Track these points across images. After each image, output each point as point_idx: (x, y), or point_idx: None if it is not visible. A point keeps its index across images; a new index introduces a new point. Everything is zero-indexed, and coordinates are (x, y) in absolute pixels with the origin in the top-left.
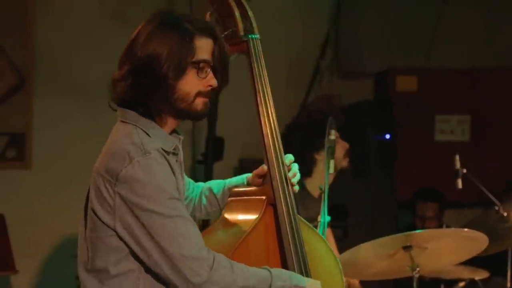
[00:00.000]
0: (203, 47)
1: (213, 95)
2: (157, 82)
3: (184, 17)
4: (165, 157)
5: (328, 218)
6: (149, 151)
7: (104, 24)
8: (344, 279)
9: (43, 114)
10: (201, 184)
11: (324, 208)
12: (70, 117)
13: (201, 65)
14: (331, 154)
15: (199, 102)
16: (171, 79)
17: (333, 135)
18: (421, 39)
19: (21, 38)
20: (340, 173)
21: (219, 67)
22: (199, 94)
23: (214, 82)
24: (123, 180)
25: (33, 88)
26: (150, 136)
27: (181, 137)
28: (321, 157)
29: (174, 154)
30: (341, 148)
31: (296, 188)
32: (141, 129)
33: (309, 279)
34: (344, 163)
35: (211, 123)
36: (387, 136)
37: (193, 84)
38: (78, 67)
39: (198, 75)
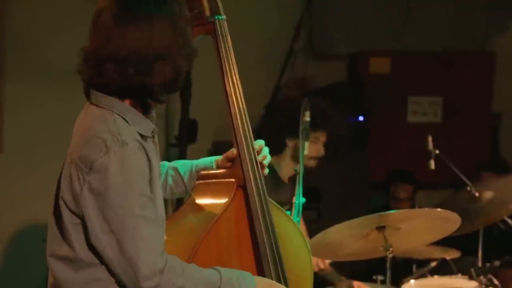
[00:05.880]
0: None
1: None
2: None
3: None
4: (143, 146)
5: (303, 200)
6: (126, 142)
7: (78, 7)
8: (315, 260)
9: (15, 98)
10: (166, 163)
11: (299, 189)
12: (41, 101)
13: None
14: (306, 135)
15: None
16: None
17: (307, 116)
18: (393, 21)
19: None
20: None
21: None
22: None
23: None
24: (96, 170)
25: (4, 72)
26: (127, 122)
27: (154, 115)
28: (292, 143)
29: (152, 137)
30: (315, 151)
31: (266, 171)
32: (118, 114)
33: (261, 278)
34: (312, 163)
35: (185, 105)
36: (360, 118)
37: None
38: (50, 51)
39: None
